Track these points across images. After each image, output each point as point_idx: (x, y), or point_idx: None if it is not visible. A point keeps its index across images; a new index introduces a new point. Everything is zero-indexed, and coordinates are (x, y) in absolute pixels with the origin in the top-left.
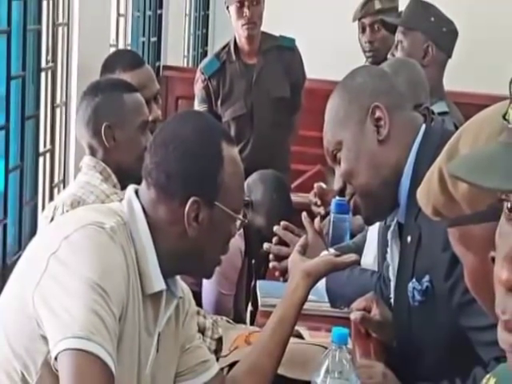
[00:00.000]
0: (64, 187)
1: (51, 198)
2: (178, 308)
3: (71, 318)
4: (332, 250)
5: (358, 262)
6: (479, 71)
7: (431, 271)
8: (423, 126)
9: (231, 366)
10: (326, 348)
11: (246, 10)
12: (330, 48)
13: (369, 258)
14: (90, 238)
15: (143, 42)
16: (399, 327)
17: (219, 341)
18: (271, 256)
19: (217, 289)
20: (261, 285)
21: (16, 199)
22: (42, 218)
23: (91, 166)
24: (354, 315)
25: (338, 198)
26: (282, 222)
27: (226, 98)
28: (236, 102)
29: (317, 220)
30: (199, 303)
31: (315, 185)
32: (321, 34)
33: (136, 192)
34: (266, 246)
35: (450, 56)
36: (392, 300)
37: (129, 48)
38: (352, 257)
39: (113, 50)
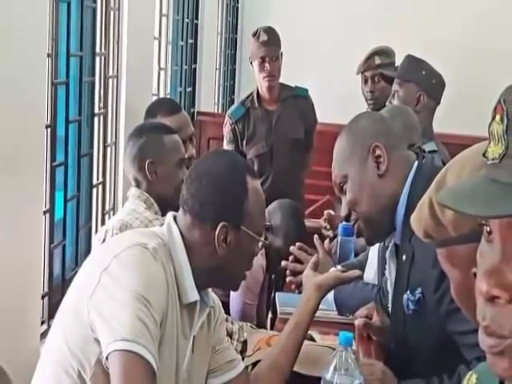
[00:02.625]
0: (114, 214)
1: (103, 223)
2: (209, 315)
3: (120, 324)
4: (339, 267)
5: (361, 277)
6: (463, 116)
7: (423, 284)
8: (416, 163)
9: (254, 364)
10: (334, 349)
11: (266, 64)
12: (338, 96)
13: (370, 274)
14: (136, 256)
15: (180, 92)
16: (396, 332)
17: (244, 343)
18: (288, 272)
19: (242, 299)
20: (279, 296)
21: (73, 224)
22: (95, 239)
23: (136, 196)
24: (358, 321)
25: (344, 222)
26: (297, 243)
27: (250, 139)
28: (258, 143)
29: (326, 241)
30: (227, 311)
31: (325, 212)
32: (330, 85)
33: (174, 218)
34: (283, 263)
35: (438, 103)
36: (390, 309)
37: (168, 96)
38: (356, 272)
39: (155, 98)
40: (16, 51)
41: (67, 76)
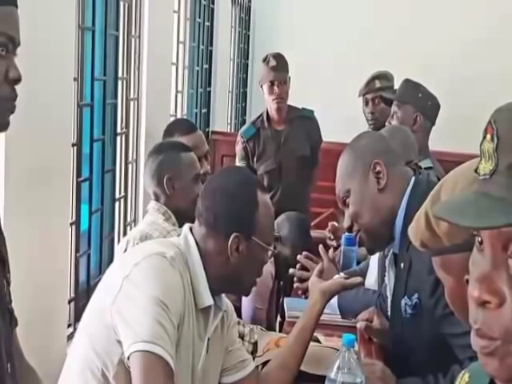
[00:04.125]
0: (135, 225)
1: (124, 234)
2: (223, 319)
3: (140, 327)
4: (342, 274)
5: (362, 284)
6: (457, 135)
7: (419, 290)
8: (413, 178)
9: (264, 363)
10: (338, 350)
11: (275, 88)
12: (341, 117)
13: (371, 280)
14: (155, 264)
15: (196, 113)
16: (394, 334)
17: (255, 344)
18: (295, 279)
19: (253, 304)
20: (287, 301)
21: (97, 235)
22: (118, 249)
23: (156, 208)
24: (360, 324)
25: (347, 233)
26: (304, 252)
27: (260, 157)
28: (268, 160)
29: (330, 251)
30: (239, 315)
31: (329, 223)
32: (334, 107)
33: (190, 229)
34: (291, 271)
35: (433, 123)
36: (389, 313)
37: (185, 117)
38: (358, 279)
39: (172, 118)
40: (45, 76)
41: (92, 98)
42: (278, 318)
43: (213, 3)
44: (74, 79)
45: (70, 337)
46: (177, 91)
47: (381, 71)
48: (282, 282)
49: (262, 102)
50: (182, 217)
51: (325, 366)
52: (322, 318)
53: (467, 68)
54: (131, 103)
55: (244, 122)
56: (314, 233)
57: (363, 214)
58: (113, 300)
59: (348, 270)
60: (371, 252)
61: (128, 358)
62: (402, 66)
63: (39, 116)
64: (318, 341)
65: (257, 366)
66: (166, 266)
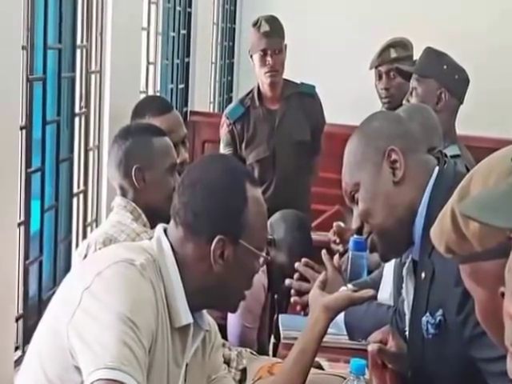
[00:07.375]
0: (96, 226)
1: (84, 237)
2: (204, 340)
3: (103, 350)
4: (350, 286)
5: (374, 297)
6: (489, 117)
7: (444, 305)
8: (436, 168)
9: None
10: (345, 378)
11: (268, 58)
12: (349, 94)
13: (385, 293)
14: (122, 273)
15: (171, 89)
16: (413, 358)
17: (243, 371)
18: (293, 291)
19: (241, 322)
20: (283, 318)
21: (51, 237)
22: (76, 255)
23: (122, 206)
24: (371, 347)
25: (355, 236)
26: (303, 259)
27: (250, 142)
28: (259, 146)
29: (336, 257)
30: (225, 336)
31: (334, 224)
32: (340, 81)
33: (165, 230)
34: (287, 281)
35: (461, 102)
36: (407, 333)
37: (158, 94)
38: (369, 292)
39: (143, 96)
40: None
41: (44, 71)
42: (272, 340)
43: None
44: (23, 48)
45: (18, 362)
46: (148, 63)
47: (397, 38)
48: (276, 296)
49: (253, 75)
50: (155, 215)
51: None
52: (325, 339)
53: (505, 35)
54: (92, 77)
55: (230, 100)
56: (316, 235)
57: (375, 213)
58: (70, 317)
59: (357, 280)
60: (385, 259)
61: None
62: (422, 33)
63: None
64: (320, 367)
65: None
66: (134, 275)
